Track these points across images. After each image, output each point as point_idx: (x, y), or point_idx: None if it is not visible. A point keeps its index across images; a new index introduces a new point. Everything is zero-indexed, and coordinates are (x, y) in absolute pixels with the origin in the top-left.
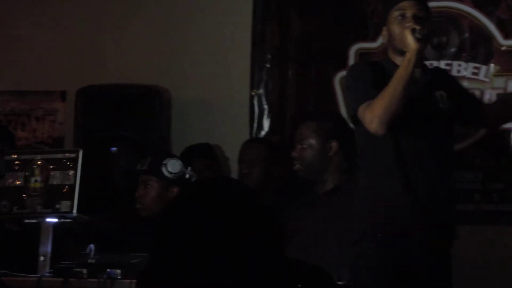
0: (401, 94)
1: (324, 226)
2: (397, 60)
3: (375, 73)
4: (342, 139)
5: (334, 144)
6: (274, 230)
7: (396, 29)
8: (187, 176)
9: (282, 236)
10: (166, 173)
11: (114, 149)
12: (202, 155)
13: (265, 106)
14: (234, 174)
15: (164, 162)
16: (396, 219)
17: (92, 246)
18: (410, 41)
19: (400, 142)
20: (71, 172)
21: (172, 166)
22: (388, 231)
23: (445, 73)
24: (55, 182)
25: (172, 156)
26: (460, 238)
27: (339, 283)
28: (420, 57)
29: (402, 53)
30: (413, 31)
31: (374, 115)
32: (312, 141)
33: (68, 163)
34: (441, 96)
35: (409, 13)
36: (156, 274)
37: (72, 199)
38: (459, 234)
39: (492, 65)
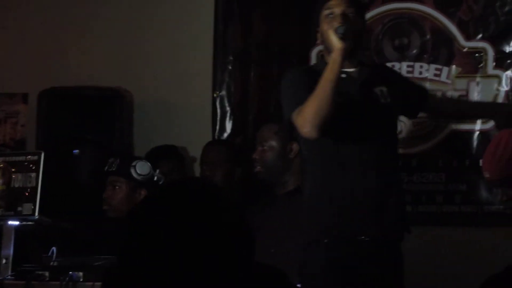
0: (330, 96)
1: (285, 227)
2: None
3: (309, 77)
4: None
5: (294, 146)
6: (243, 230)
7: (324, 28)
8: (155, 178)
9: (251, 237)
10: (134, 175)
11: (76, 151)
12: (168, 156)
13: (228, 108)
14: (197, 176)
15: (133, 163)
16: (342, 223)
17: (54, 248)
18: (334, 41)
19: (341, 144)
20: (33, 175)
21: (141, 168)
22: (334, 235)
23: (385, 69)
24: (17, 185)
25: (140, 158)
26: (423, 239)
27: (298, 286)
28: (356, 55)
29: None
30: (336, 29)
31: (304, 119)
32: (273, 143)
33: (30, 166)
34: (381, 92)
35: (337, 11)
36: (124, 275)
37: (34, 202)
38: (422, 235)
39: (453, 66)
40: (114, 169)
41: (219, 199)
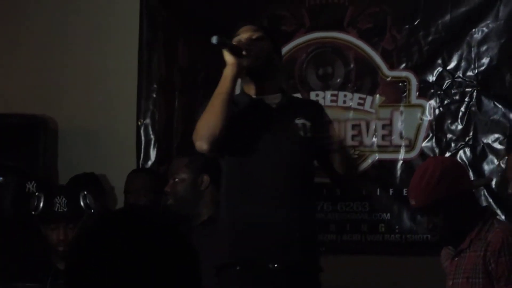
0: (219, 110)
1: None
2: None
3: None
4: (214, 172)
5: (205, 178)
6: (192, 258)
7: None
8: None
9: (198, 265)
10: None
11: (0, 178)
12: (88, 185)
13: (152, 136)
14: (120, 204)
15: (82, 202)
16: (249, 250)
17: None
18: (226, 57)
19: (246, 168)
20: None
21: (91, 203)
22: (245, 262)
23: (315, 106)
24: None
25: (78, 190)
26: (347, 268)
27: None
28: (283, 81)
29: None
30: (236, 48)
31: (196, 133)
32: (184, 175)
33: None
34: (303, 125)
35: (244, 37)
36: None
37: None
38: (347, 264)
39: (377, 95)
40: (65, 211)
41: (164, 227)
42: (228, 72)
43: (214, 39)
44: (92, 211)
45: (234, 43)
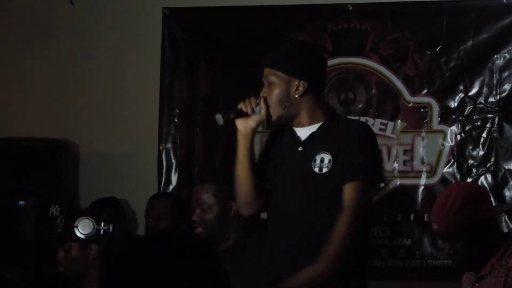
0: (243, 180)
1: None
2: None
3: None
4: None
5: (234, 204)
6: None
7: None
8: (101, 232)
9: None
10: (80, 235)
11: (22, 202)
12: (109, 209)
13: (173, 161)
14: (141, 228)
15: (76, 224)
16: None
17: None
18: (236, 124)
19: (274, 203)
20: None
21: (84, 227)
22: None
23: (355, 132)
24: None
25: (83, 214)
26: None
27: None
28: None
29: None
30: (241, 113)
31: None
32: (212, 203)
33: None
34: (322, 160)
35: (265, 81)
36: None
37: None
38: None
39: (399, 121)
40: (60, 232)
41: (200, 251)
42: (239, 139)
43: (219, 121)
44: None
45: (239, 107)
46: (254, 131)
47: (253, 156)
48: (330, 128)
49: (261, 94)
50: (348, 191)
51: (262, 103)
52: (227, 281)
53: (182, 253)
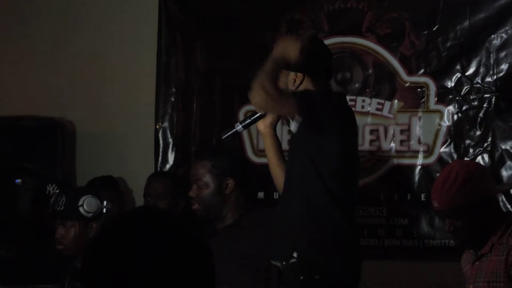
0: (273, 169)
1: (226, 262)
2: None
3: None
4: (238, 176)
5: (230, 182)
6: (207, 263)
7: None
8: (104, 211)
9: (213, 270)
10: (84, 213)
11: (18, 181)
12: (105, 187)
13: (170, 140)
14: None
15: (80, 202)
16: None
17: None
18: (258, 128)
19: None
20: None
21: (89, 206)
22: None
23: None
24: None
25: (86, 192)
26: (364, 272)
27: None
28: None
29: None
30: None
31: None
32: (208, 180)
33: None
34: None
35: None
36: None
37: None
38: (363, 269)
39: (396, 101)
40: (61, 210)
41: (180, 229)
42: (263, 139)
43: (239, 128)
44: (105, 211)
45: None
46: (273, 126)
47: (280, 150)
48: None
49: None
50: None
51: None
52: (207, 260)
53: (158, 231)
